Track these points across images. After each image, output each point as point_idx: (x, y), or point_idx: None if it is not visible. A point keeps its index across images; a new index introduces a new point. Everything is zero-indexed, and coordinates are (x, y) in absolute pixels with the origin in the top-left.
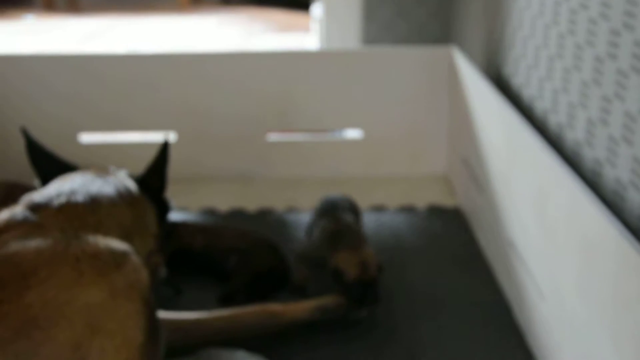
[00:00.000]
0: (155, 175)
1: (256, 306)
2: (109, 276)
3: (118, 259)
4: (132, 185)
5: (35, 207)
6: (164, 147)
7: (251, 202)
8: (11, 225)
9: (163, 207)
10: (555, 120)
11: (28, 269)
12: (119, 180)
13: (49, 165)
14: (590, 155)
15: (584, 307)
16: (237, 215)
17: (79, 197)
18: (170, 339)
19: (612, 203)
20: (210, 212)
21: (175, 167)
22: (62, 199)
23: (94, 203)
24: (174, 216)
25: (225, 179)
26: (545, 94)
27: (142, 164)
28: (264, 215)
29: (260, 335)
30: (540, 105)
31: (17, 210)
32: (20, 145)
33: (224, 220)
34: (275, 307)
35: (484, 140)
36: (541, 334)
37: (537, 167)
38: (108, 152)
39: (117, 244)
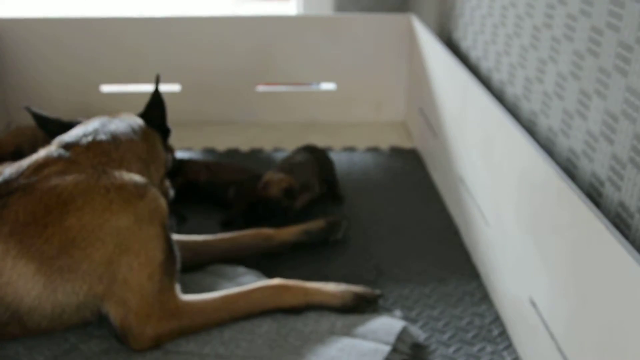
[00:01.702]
0: (155, 107)
1: (252, 230)
2: (134, 204)
3: (140, 189)
4: (140, 121)
5: (67, 146)
6: (157, 82)
7: (244, 143)
8: (50, 161)
9: (165, 132)
10: (498, 77)
11: (68, 198)
12: (130, 119)
13: (56, 127)
14: (527, 107)
15: (521, 232)
16: (233, 153)
17: (103, 136)
18: (183, 258)
19: (545, 146)
20: (210, 151)
21: (180, 114)
22: (89, 138)
23: (115, 140)
24: (182, 154)
25: (222, 124)
26: (489, 55)
27: None
28: (255, 154)
29: (256, 254)
30: (485, 65)
31: (52, 148)
32: (55, 93)
33: (222, 158)
34: (268, 231)
35: (438, 93)
36: (485, 253)
37: (484, 115)
38: (124, 99)
39: (138, 177)
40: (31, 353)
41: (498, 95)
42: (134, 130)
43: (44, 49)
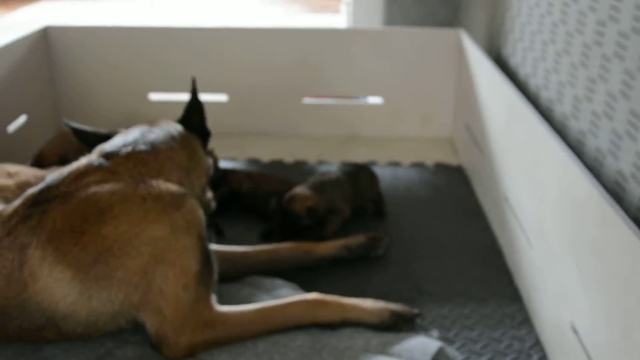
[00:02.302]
0: (193, 111)
1: (292, 243)
2: (171, 214)
3: (178, 200)
4: (179, 127)
5: (107, 155)
6: (194, 89)
7: (288, 155)
8: (90, 170)
9: (205, 136)
10: (546, 95)
11: (104, 207)
12: (169, 126)
13: (95, 138)
14: (576, 127)
15: (564, 255)
16: (277, 165)
17: (142, 146)
18: (221, 268)
19: (592, 168)
20: (255, 162)
21: (226, 125)
22: (129, 148)
23: (155, 149)
24: (225, 164)
25: (268, 135)
26: (538, 72)
27: None
28: (299, 166)
29: (295, 268)
30: (534, 82)
31: (93, 157)
32: (104, 100)
33: (266, 168)
34: (308, 245)
35: (484, 109)
36: (527, 276)
37: (529, 134)
38: (172, 107)
39: (177, 188)
40: (67, 356)
41: (546, 113)
42: (173, 138)
43: (95, 57)
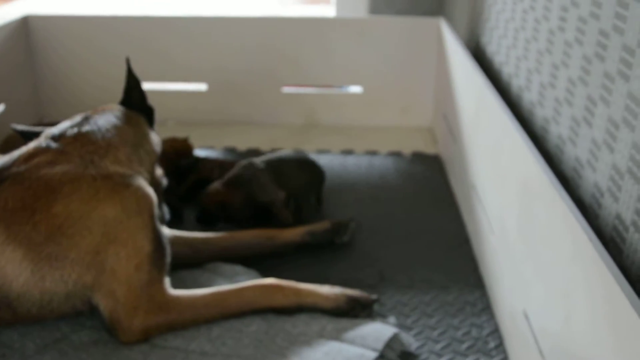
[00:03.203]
0: (131, 89)
1: (254, 229)
2: (121, 193)
3: (127, 179)
4: (120, 107)
5: (55, 137)
6: (129, 67)
7: (265, 144)
8: (39, 151)
9: (149, 111)
10: (516, 83)
11: (55, 186)
12: (110, 108)
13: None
14: (541, 114)
15: (519, 242)
16: (253, 153)
17: (88, 127)
18: (182, 254)
19: (554, 155)
20: (231, 151)
21: (205, 114)
22: (75, 130)
23: (101, 129)
24: (200, 152)
25: (246, 124)
26: (510, 61)
27: (178, 109)
28: None
29: (258, 255)
30: (506, 71)
31: (40, 140)
32: (81, 94)
33: (242, 157)
34: (271, 231)
35: (459, 99)
36: (490, 263)
37: (494, 122)
38: (152, 97)
39: (124, 169)
40: (23, 340)
41: (515, 101)
42: (116, 117)
43: (74, 46)
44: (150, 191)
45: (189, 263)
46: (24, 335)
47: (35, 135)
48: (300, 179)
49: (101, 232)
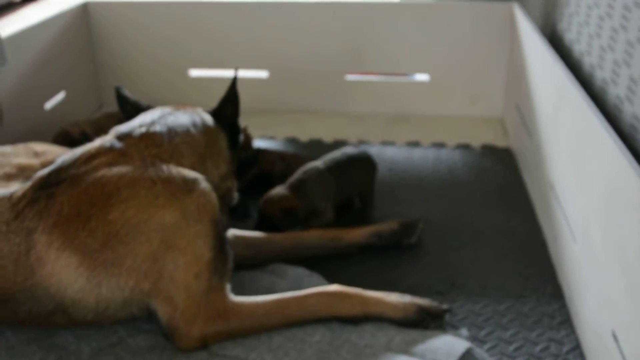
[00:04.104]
0: (227, 104)
1: (319, 229)
2: (181, 199)
3: (189, 184)
4: (206, 117)
5: (121, 136)
6: (234, 81)
7: (328, 134)
8: (101, 152)
9: (235, 132)
10: (600, 76)
11: (112, 190)
12: (195, 113)
13: (133, 109)
14: (630, 111)
15: (608, 256)
16: (315, 144)
17: (157, 127)
18: (243, 254)
19: None
20: (293, 141)
21: (266, 101)
22: (143, 129)
23: (170, 132)
24: (261, 143)
25: (308, 113)
26: (593, 50)
27: (240, 96)
28: (338, 146)
29: (322, 255)
30: (588, 61)
31: (107, 138)
32: (144, 76)
33: (305, 148)
34: (336, 231)
35: (534, 90)
36: (570, 272)
37: (578, 120)
38: (212, 84)
39: (189, 172)
40: (79, 342)
41: (599, 96)
42: (194, 124)
43: (135, 32)
44: (214, 196)
45: (249, 264)
46: (79, 337)
47: (128, 104)
48: (366, 182)
49: (159, 239)
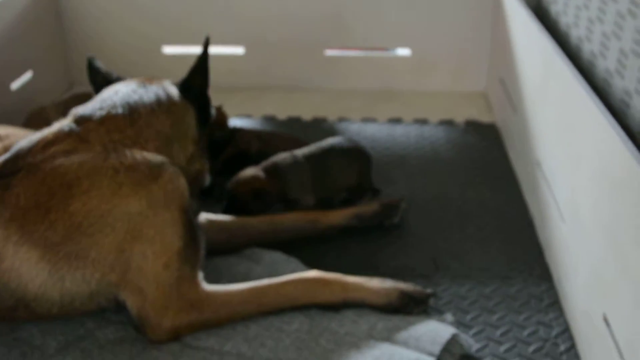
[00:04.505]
0: (197, 75)
1: (297, 212)
2: (147, 187)
3: (155, 171)
4: (173, 91)
5: (80, 120)
6: (205, 49)
7: (307, 111)
8: (59, 138)
9: (205, 106)
10: (589, 48)
11: (72, 180)
12: (160, 87)
13: (103, 81)
14: (620, 85)
15: (599, 235)
16: (294, 122)
17: (119, 110)
18: (217, 239)
19: (638, 135)
20: (271, 119)
21: (242, 78)
22: (103, 112)
23: (133, 114)
24: (238, 122)
25: (286, 90)
26: (581, 22)
27: (214, 73)
28: (318, 124)
29: (300, 238)
30: (575, 34)
31: (65, 122)
32: (116, 54)
33: (282, 127)
34: (314, 213)
35: (520, 63)
36: (559, 252)
37: (566, 94)
38: (186, 61)
39: (154, 156)
40: (44, 337)
41: (587, 69)
42: (159, 102)
43: (106, 9)
44: (182, 182)
45: (224, 249)
46: (44, 331)
47: (98, 75)
48: (350, 176)
49: (125, 230)
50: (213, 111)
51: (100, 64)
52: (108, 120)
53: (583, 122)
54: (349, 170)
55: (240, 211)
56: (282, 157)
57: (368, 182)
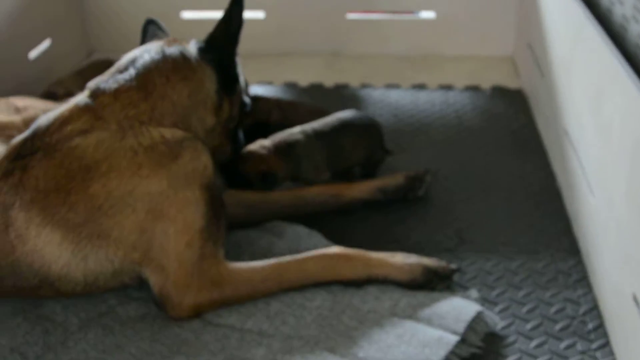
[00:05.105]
0: (221, 32)
1: (320, 186)
2: (167, 166)
3: (175, 149)
4: (192, 53)
5: (95, 93)
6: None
7: (329, 78)
8: (74, 115)
9: (229, 69)
10: (620, 11)
11: (90, 163)
12: (179, 50)
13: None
14: None
15: (631, 211)
16: (315, 89)
17: (134, 83)
18: (239, 214)
19: None
20: (292, 86)
21: (262, 43)
22: (115, 85)
23: (147, 85)
24: (256, 90)
25: (307, 55)
26: None
27: None
28: (339, 90)
29: (323, 212)
30: None
31: (81, 97)
32: (134, 21)
33: (303, 94)
34: (337, 187)
35: (548, 27)
36: (587, 226)
37: (595, 62)
38: (206, 27)
39: (173, 133)
40: (67, 313)
41: (619, 34)
42: (175, 68)
43: None
44: (205, 158)
45: (245, 222)
46: (67, 307)
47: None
48: (359, 151)
49: (146, 210)
50: (243, 80)
51: (157, 28)
52: (122, 93)
53: (614, 90)
54: (361, 146)
55: (243, 186)
56: (294, 136)
57: (379, 153)
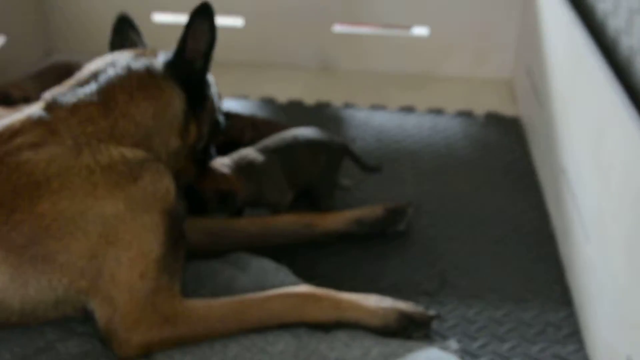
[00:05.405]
0: (187, 47)
1: (291, 214)
2: (125, 188)
3: (135, 170)
4: (159, 69)
5: (50, 106)
6: (201, 8)
7: (310, 95)
8: (26, 127)
9: (199, 88)
10: (628, 43)
11: (40, 179)
12: (146, 64)
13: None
14: None
15: (630, 265)
16: (294, 107)
17: (94, 97)
18: (201, 242)
19: None
20: (268, 102)
21: (240, 54)
22: (73, 99)
23: (108, 102)
24: (229, 104)
25: (288, 68)
26: (620, 12)
27: None
28: (320, 109)
29: (293, 244)
30: (613, 24)
31: (35, 108)
32: (100, 21)
33: (281, 111)
34: (310, 216)
35: (548, 51)
36: (582, 275)
37: (597, 98)
38: (178, 32)
39: (133, 153)
40: None
41: (624, 66)
42: (140, 85)
43: None
44: (166, 182)
45: (207, 252)
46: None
47: (122, 36)
48: (312, 171)
49: (98, 233)
50: (216, 96)
51: (130, 28)
52: (81, 108)
53: (615, 127)
54: (313, 166)
55: (196, 209)
56: (252, 154)
57: (330, 177)
